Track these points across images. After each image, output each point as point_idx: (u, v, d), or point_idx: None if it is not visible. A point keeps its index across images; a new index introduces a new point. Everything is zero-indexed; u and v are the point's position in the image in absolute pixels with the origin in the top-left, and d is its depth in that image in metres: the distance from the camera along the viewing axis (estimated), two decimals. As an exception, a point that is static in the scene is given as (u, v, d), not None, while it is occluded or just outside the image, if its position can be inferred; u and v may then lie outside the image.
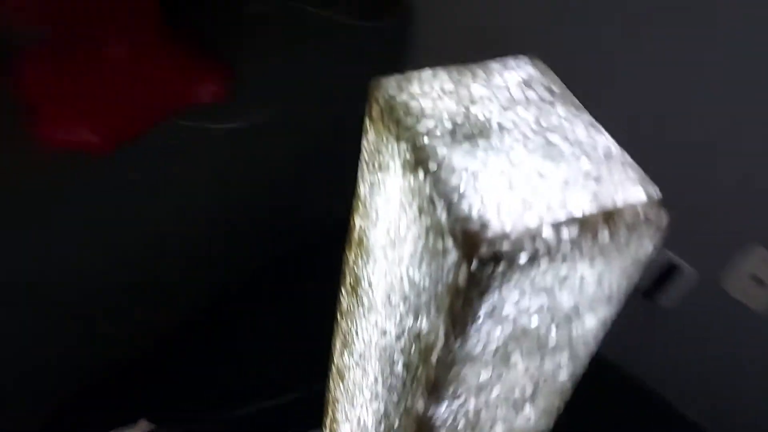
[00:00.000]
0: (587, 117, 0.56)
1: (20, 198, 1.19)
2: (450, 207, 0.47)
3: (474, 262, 0.46)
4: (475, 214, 0.47)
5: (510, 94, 0.56)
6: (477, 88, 0.56)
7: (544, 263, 0.48)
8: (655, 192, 0.51)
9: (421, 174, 0.50)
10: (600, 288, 0.54)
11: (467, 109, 0.54)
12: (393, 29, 1.65)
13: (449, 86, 0.56)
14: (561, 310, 0.54)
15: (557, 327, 0.55)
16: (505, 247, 0.46)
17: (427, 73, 0.57)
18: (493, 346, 0.54)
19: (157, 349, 1.32)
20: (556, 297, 0.52)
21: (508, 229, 0.46)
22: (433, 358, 0.54)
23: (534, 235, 0.46)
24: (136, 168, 1.28)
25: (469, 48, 1.40)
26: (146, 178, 1.28)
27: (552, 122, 0.55)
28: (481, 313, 0.49)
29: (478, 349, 0.53)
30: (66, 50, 1.38)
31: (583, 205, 0.49)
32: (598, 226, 0.48)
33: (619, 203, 0.49)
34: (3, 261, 1.11)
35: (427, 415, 0.59)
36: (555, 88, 0.58)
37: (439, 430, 0.60)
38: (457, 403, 0.58)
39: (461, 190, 0.48)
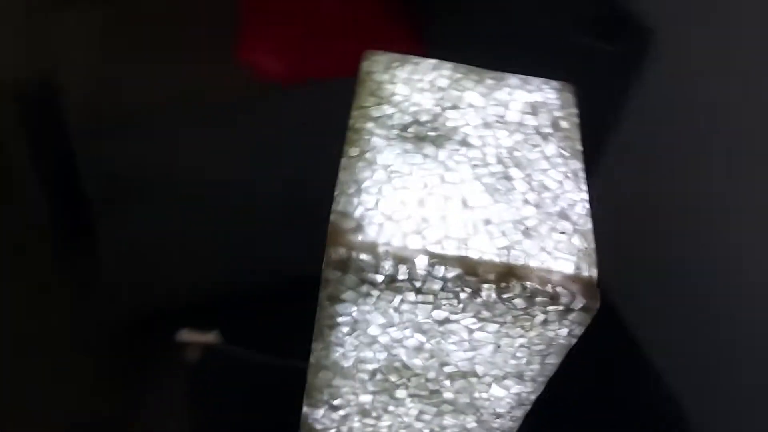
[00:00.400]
0: (577, 165, 0.47)
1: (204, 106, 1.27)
2: (341, 198, 0.43)
3: (328, 263, 0.41)
4: (357, 213, 0.42)
5: (504, 112, 0.49)
6: (471, 95, 0.50)
7: (407, 292, 0.41)
8: (590, 272, 0.42)
9: (344, 158, 0.46)
10: (501, 356, 0.45)
11: (442, 111, 0.49)
12: (625, 53, 1.52)
13: (442, 83, 0.50)
14: (451, 362, 0.47)
15: (451, 380, 0.48)
16: (361, 256, 0.40)
17: (429, 62, 0.52)
18: (367, 368, 0.48)
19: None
20: (440, 343, 0.45)
21: (378, 240, 0.41)
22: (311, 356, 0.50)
23: (403, 258, 0.40)
24: (301, 109, 1.32)
25: (710, 80, 1.24)
26: (308, 122, 1.32)
27: (527, 157, 0.47)
28: (340, 321, 0.44)
29: (347, 363, 0.48)
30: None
31: (484, 251, 0.41)
32: (485, 278, 0.41)
33: (532, 265, 0.41)
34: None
35: (306, 417, 0.55)
36: (564, 124, 0.49)
37: (321, 435, 0.56)
38: (335, 415, 0.53)
39: (363, 186, 0.43)
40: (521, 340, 0.44)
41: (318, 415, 0.54)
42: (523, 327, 0.43)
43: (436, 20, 1.52)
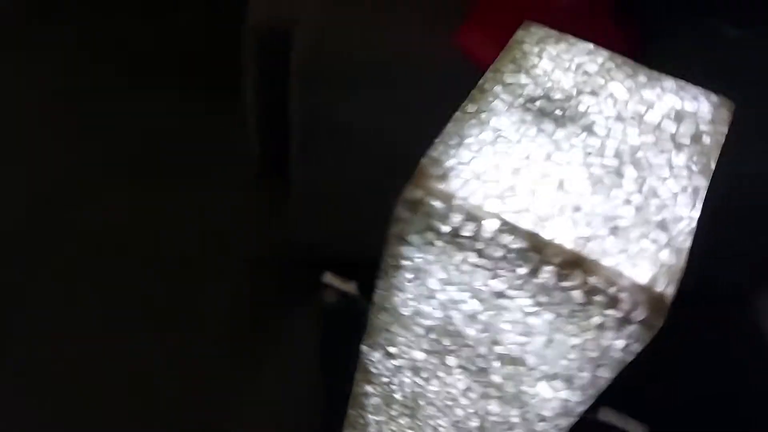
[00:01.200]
0: (701, 183, 0.43)
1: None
2: (439, 146, 0.43)
3: (402, 201, 0.42)
4: (448, 164, 0.42)
5: (644, 112, 0.46)
6: (616, 87, 0.47)
7: (469, 252, 0.41)
8: (666, 289, 0.38)
9: (459, 111, 0.46)
10: (553, 351, 0.43)
11: (579, 94, 0.46)
12: None
13: (591, 68, 0.48)
14: (503, 342, 0.45)
15: (500, 362, 0.47)
16: (433, 203, 0.40)
17: (585, 46, 0.49)
18: (424, 323, 0.48)
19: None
20: (494, 317, 0.44)
21: (456, 194, 0.40)
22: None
23: (473, 216, 0.40)
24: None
25: None
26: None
27: (649, 160, 0.44)
28: (403, 264, 0.45)
29: (407, 311, 0.48)
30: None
31: (559, 235, 0.39)
32: (548, 259, 0.39)
33: (603, 263, 0.39)
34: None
35: (364, 356, 0.55)
36: (706, 140, 0.45)
37: (374, 381, 0.57)
38: (390, 363, 0.54)
39: (465, 141, 0.43)
40: (575, 340, 0.42)
41: (375, 357, 0.54)
42: (578, 326, 0.41)
43: (666, 36, 1.43)
